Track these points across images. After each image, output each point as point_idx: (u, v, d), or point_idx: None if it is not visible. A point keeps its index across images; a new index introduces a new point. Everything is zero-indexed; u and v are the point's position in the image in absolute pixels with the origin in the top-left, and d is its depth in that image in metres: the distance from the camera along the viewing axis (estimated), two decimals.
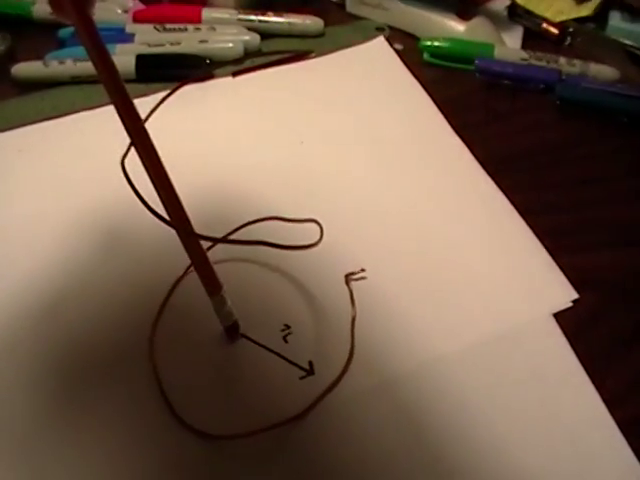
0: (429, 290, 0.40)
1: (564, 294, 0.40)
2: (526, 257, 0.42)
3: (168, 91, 0.36)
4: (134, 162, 0.31)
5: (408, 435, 0.34)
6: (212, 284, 0.35)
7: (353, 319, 0.38)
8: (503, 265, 0.42)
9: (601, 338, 0.39)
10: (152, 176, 0.31)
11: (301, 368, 0.37)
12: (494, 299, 0.40)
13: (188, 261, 0.38)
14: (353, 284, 0.40)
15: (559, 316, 0.39)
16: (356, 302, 0.39)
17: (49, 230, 0.44)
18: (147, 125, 0.32)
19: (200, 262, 0.34)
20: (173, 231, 0.31)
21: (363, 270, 0.41)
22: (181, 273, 0.41)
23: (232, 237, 0.41)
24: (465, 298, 0.40)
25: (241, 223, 0.42)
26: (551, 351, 0.38)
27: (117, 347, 0.38)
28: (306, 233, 0.36)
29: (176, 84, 0.38)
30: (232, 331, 0.38)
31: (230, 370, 0.37)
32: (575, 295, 0.40)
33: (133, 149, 0.31)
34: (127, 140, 0.31)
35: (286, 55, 0.57)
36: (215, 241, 0.37)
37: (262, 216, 0.42)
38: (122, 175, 0.30)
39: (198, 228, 0.32)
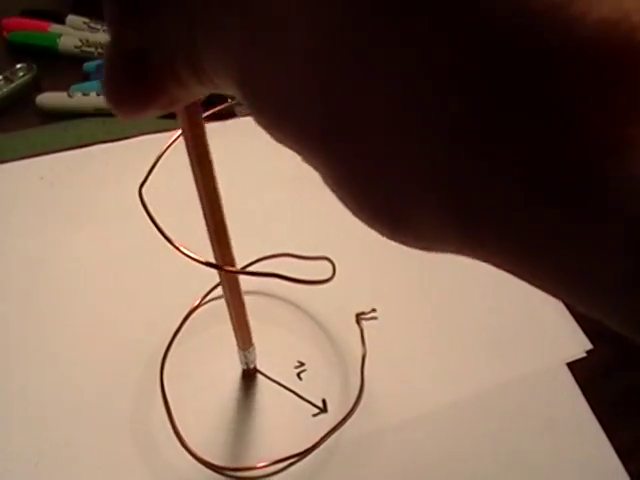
0: (441, 334, 0.40)
1: (578, 344, 0.40)
2: (541, 306, 0.42)
3: None
4: (152, 192, 0.31)
5: (414, 477, 0.34)
6: (245, 340, 0.35)
7: (363, 358, 0.38)
8: (518, 313, 0.41)
9: (614, 388, 0.38)
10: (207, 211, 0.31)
11: (315, 406, 0.37)
12: (508, 347, 0.40)
13: (202, 292, 0.38)
14: (364, 323, 0.40)
15: (573, 366, 0.39)
16: (366, 341, 0.39)
17: (65, 256, 0.44)
18: (166, 159, 0.32)
19: (240, 318, 0.34)
20: (188, 262, 0.31)
21: (374, 310, 0.41)
22: (195, 304, 0.40)
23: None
24: (478, 344, 0.40)
25: (255, 259, 0.42)
26: (564, 400, 0.37)
27: (127, 377, 0.38)
28: (319, 271, 0.36)
29: None
30: (250, 370, 0.38)
31: (243, 404, 0.37)
32: (589, 346, 0.40)
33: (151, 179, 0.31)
34: (146, 172, 0.31)
35: None
36: (232, 272, 0.37)
37: (276, 253, 0.42)
38: (140, 206, 0.31)
39: (213, 261, 0.32)
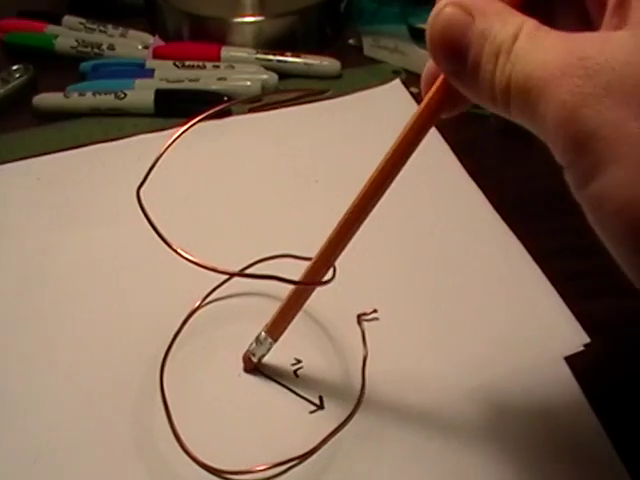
0: (441, 332, 0.40)
1: (576, 338, 0.40)
2: (539, 301, 0.42)
3: (186, 126, 0.36)
4: (150, 193, 0.31)
5: (417, 478, 0.34)
6: (281, 331, 0.36)
7: (364, 359, 0.38)
8: (515, 308, 0.42)
9: (612, 382, 0.38)
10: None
11: (311, 402, 0.37)
12: (506, 341, 0.40)
13: (202, 294, 0.38)
14: (365, 324, 0.40)
15: (570, 359, 0.39)
16: (368, 342, 0.39)
17: (62, 258, 0.44)
18: (164, 160, 0.32)
19: (293, 315, 0.35)
20: (187, 263, 0.31)
21: (375, 311, 0.41)
22: (195, 306, 0.41)
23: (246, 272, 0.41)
24: (477, 340, 0.40)
25: (255, 259, 0.42)
26: (562, 393, 0.37)
27: (127, 379, 0.38)
28: None
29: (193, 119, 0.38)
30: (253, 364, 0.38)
31: (243, 406, 0.37)
32: (587, 339, 0.40)
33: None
34: (143, 172, 0.31)
35: (302, 93, 0.58)
36: (231, 275, 0.38)
37: (276, 253, 0.42)
38: (137, 206, 0.31)
39: (212, 262, 0.32)
